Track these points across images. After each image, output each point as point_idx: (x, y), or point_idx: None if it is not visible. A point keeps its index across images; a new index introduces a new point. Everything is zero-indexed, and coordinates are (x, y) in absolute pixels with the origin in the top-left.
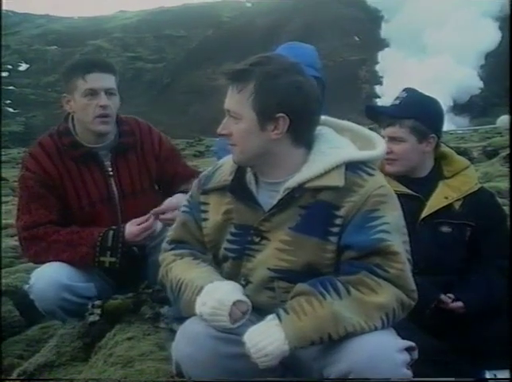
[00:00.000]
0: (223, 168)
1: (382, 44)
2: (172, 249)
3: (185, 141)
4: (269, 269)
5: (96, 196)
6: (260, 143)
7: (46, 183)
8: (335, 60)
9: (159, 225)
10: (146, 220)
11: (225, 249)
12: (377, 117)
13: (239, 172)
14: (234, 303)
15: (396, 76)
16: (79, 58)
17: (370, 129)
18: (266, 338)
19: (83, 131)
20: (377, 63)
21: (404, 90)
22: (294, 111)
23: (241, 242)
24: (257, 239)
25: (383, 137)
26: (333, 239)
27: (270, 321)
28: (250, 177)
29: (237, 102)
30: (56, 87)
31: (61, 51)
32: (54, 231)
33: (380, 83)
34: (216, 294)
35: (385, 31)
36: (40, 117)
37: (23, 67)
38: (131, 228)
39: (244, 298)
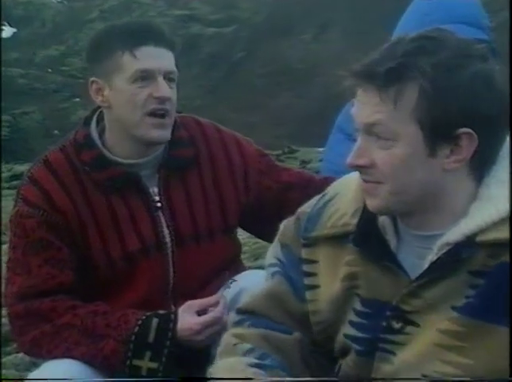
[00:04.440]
0: (340, 202)
1: None
2: (238, 323)
3: (268, 152)
4: (426, 377)
5: (136, 244)
6: (426, 177)
7: (56, 224)
8: None
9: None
10: (214, 305)
11: (346, 336)
12: None
13: (368, 211)
14: None
15: None
16: (120, 22)
17: None
18: None
19: (119, 139)
20: None
21: None
22: (483, 122)
23: (371, 327)
24: (397, 325)
25: None
26: None
27: None
28: (384, 220)
29: (386, 114)
30: (62, 67)
31: (68, 6)
32: (66, 307)
33: None
34: None
35: None
36: (36, 114)
37: (6, 32)
38: (188, 318)
39: None
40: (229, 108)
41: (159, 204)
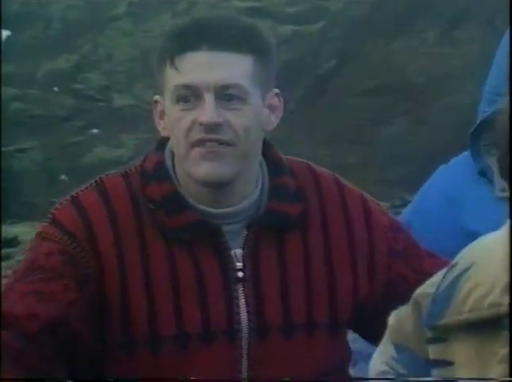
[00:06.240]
0: (481, 274)
1: None
2: None
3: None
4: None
5: (196, 324)
6: None
7: (85, 268)
8: None
9: None
10: None
11: None
12: None
13: None
14: None
15: None
16: (183, 21)
17: None
18: None
19: (187, 179)
20: None
21: None
22: None
23: None
24: None
25: None
26: None
27: None
28: None
29: None
30: (75, 84)
31: None
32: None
33: None
34: None
35: None
36: (36, 152)
37: None
38: None
39: None
40: (314, 142)
41: (240, 274)
